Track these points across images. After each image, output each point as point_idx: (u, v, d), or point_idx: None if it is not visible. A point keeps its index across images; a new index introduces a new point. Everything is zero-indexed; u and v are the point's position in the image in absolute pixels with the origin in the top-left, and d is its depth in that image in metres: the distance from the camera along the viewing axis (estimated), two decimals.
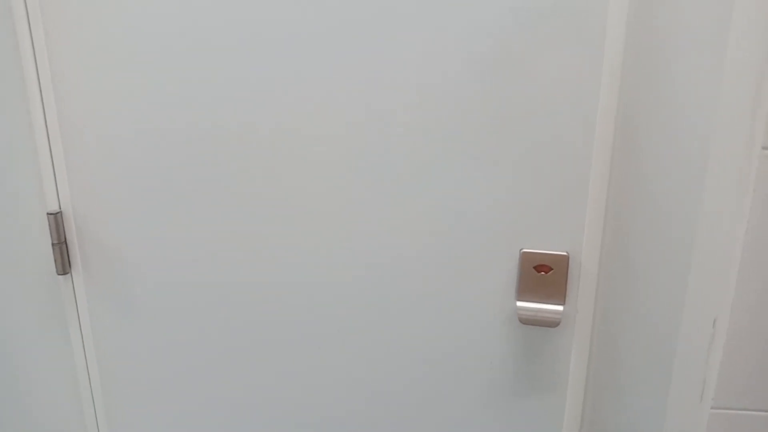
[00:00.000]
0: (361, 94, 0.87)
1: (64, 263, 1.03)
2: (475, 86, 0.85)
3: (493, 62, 0.83)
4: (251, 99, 0.90)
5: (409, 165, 0.90)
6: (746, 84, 0.77)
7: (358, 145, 0.90)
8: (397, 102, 0.87)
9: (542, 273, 0.90)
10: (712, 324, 0.87)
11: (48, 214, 1.00)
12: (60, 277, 1.05)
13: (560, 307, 0.90)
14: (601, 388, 0.96)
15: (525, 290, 0.91)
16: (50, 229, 1.01)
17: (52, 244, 1.02)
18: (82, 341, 1.09)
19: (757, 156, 0.79)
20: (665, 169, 0.84)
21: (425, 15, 0.83)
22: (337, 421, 1.06)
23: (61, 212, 1.01)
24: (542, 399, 0.97)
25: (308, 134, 0.91)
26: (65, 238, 1.03)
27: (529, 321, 0.90)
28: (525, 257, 0.90)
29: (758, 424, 0.90)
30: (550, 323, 0.89)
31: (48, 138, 0.98)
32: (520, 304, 0.91)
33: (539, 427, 0.99)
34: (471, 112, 0.86)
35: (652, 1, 0.78)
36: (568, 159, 0.85)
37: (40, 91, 0.96)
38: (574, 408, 0.96)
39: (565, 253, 0.89)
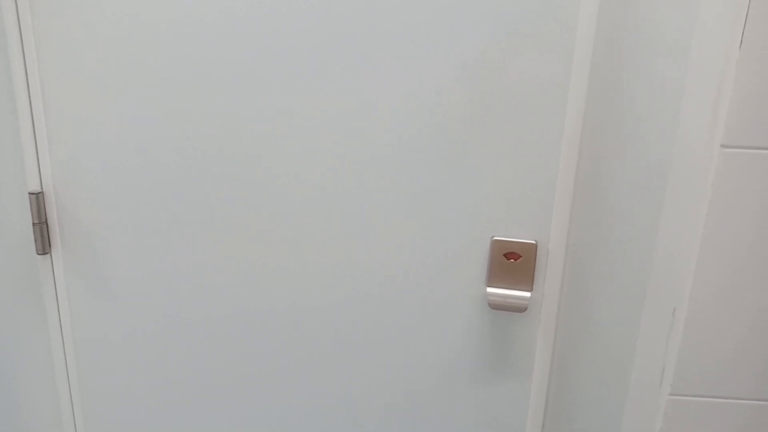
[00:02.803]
0: (343, 92, 0.90)
1: (44, 243, 1.04)
2: (450, 83, 0.87)
3: (470, 63, 0.86)
4: (239, 89, 0.92)
5: (383, 157, 0.92)
6: (708, 84, 0.81)
7: (337, 141, 0.92)
8: (377, 98, 0.90)
9: (512, 260, 0.93)
10: (671, 313, 0.91)
11: (29, 193, 1.01)
12: (39, 256, 1.06)
13: (528, 293, 0.93)
14: (565, 372, 1.00)
15: (495, 276, 0.94)
16: (31, 208, 1.02)
17: (33, 224, 1.02)
18: (59, 320, 1.09)
19: (717, 153, 0.83)
20: (629, 164, 0.88)
21: (409, 19, 0.86)
22: (311, 402, 1.08)
23: (42, 192, 1.02)
24: (509, 382, 1.00)
25: (288, 125, 0.93)
26: (46, 218, 1.03)
27: (498, 306, 0.93)
28: (495, 245, 0.93)
29: (713, 410, 0.93)
30: (518, 308, 0.93)
31: (31, 117, 0.98)
32: (490, 289, 0.94)
33: (506, 409, 1.02)
34: (446, 107, 0.89)
35: (620, 7, 0.82)
36: (538, 152, 0.89)
37: (25, 70, 0.96)
38: (539, 391, 1.00)
39: (533, 242, 0.92)
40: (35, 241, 1.03)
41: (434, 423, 1.06)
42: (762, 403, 0.92)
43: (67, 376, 1.13)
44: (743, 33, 0.77)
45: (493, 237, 0.93)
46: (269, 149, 0.95)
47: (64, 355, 1.12)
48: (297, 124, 0.93)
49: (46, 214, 1.03)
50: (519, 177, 0.90)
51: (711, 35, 0.79)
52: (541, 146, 0.88)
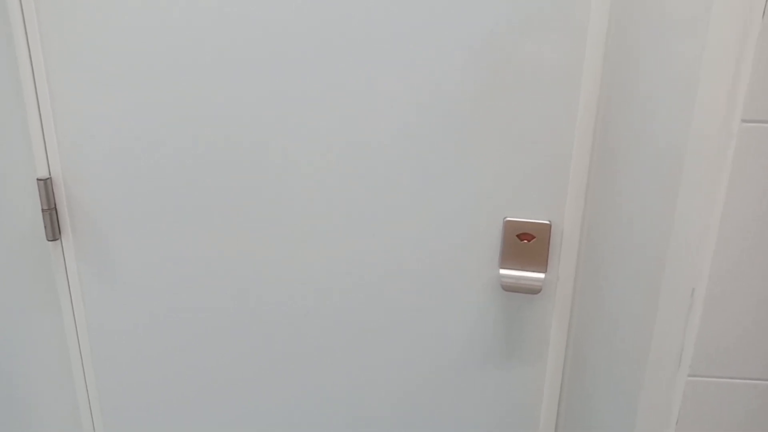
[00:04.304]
0: (353, 75, 0.89)
1: (53, 229, 1.04)
2: (461, 65, 0.86)
3: (482, 44, 0.84)
4: (244, 75, 0.91)
5: (395, 140, 0.91)
6: (727, 56, 0.78)
7: (347, 126, 0.91)
8: (388, 82, 0.89)
9: (525, 241, 0.91)
10: (690, 294, 0.89)
11: (38, 180, 1.01)
12: (49, 242, 1.06)
13: (542, 275, 0.92)
14: (580, 354, 0.98)
15: (508, 258, 0.92)
16: (40, 195, 1.02)
17: (42, 210, 1.02)
18: (72, 305, 1.10)
19: (737, 128, 0.81)
20: (645, 141, 0.86)
21: (425, 13, 0.85)
22: (325, 388, 1.09)
23: (50, 178, 1.02)
24: (524, 365, 1.00)
25: (296, 112, 0.92)
26: (55, 205, 1.03)
27: (512, 288, 0.92)
28: (508, 226, 0.91)
29: (733, 391, 0.92)
30: (531, 290, 0.91)
31: (38, 104, 0.98)
32: (503, 271, 0.93)
33: (521, 392, 1.01)
34: (457, 88, 0.87)
35: None
36: (551, 131, 0.87)
37: (30, 57, 0.96)
38: (554, 374, 0.99)
39: (547, 222, 0.91)
40: (45, 227, 1.04)
41: (448, 407, 1.05)
42: None
43: (81, 360, 1.14)
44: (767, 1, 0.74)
45: (505, 218, 0.91)
46: (278, 135, 0.94)
47: (78, 339, 1.13)
48: (305, 112, 0.92)
49: (55, 200, 1.03)
50: (532, 156, 0.88)
51: (730, 4, 0.77)
52: (555, 125, 0.86)
